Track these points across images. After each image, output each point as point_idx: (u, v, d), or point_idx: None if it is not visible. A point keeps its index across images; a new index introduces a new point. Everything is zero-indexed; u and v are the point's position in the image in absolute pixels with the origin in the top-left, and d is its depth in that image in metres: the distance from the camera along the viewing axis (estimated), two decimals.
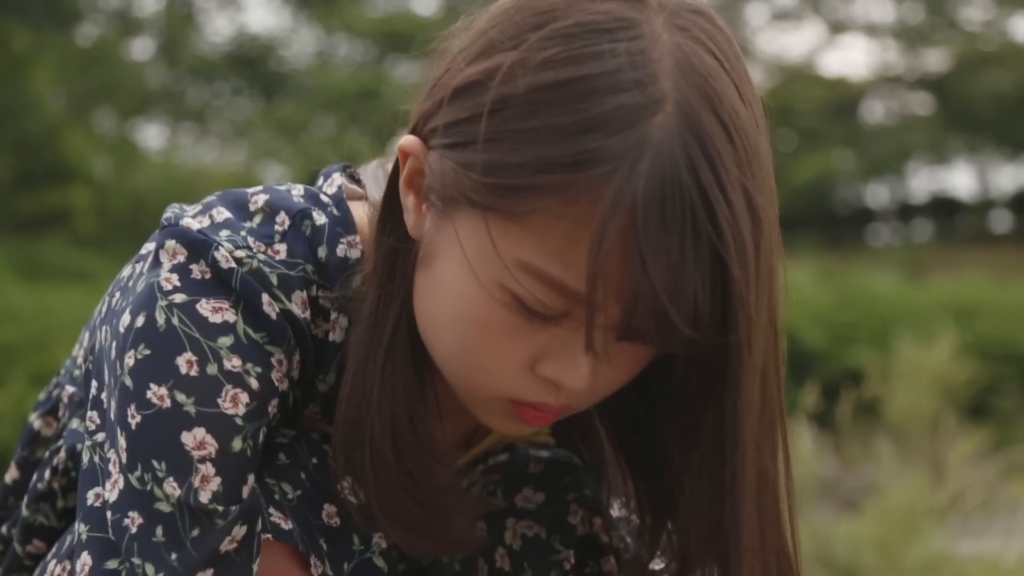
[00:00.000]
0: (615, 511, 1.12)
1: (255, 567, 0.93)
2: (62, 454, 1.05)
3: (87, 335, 1.06)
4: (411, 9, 18.63)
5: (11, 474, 1.13)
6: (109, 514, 0.93)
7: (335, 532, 0.96)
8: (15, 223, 11.42)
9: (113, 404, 0.93)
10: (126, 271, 0.98)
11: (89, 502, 0.95)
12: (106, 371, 0.96)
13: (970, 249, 16.60)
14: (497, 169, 0.85)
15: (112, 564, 0.93)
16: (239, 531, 0.92)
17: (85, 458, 0.97)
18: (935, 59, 20.58)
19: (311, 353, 0.96)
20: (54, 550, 1.03)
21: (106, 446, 0.95)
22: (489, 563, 1.09)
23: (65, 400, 1.08)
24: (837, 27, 21.17)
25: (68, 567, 0.98)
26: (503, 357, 0.90)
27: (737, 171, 0.84)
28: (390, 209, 0.96)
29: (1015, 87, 18.91)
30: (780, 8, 21.14)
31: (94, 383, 0.98)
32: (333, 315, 0.97)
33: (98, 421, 0.97)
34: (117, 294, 0.97)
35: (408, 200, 0.94)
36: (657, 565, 1.09)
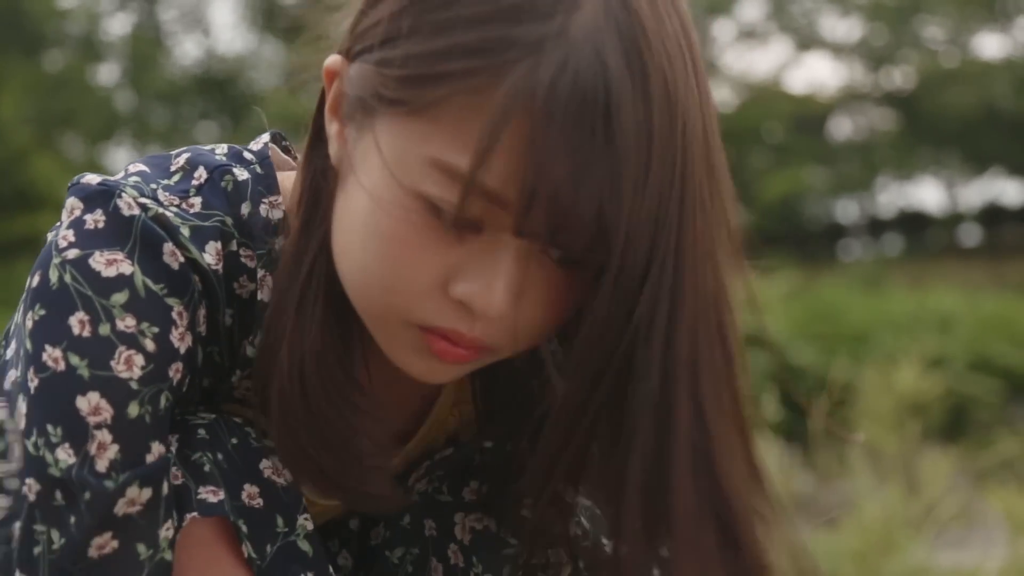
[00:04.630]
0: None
1: (162, 533, 0.89)
2: None
3: None
4: None
5: None
6: (13, 484, 0.89)
7: (256, 513, 0.93)
8: None
9: (18, 373, 0.90)
10: None
11: None
12: (13, 344, 0.92)
13: (941, 263, 16.71)
14: (409, 60, 0.83)
15: None
16: (140, 494, 0.87)
17: None
18: (900, 76, 20.76)
19: (223, 306, 0.93)
20: None
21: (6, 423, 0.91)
22: (443, 561, 1.06)
23: None
24: (803, 45, 21.32)
25: None
26: (414, 274, 0.86)
27: (653, 88, 0.81)
28: (316, 139, 0.94)
29: (978, 103, 19.08)
30: (746, 25, 21.27)
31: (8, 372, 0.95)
32: (260, 273, 0.93)
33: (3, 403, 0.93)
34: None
35: (332, 127, 0.91)
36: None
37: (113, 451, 0.87)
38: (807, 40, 21.29)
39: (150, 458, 0.88)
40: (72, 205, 0.91)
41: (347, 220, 0.89)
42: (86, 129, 15.97)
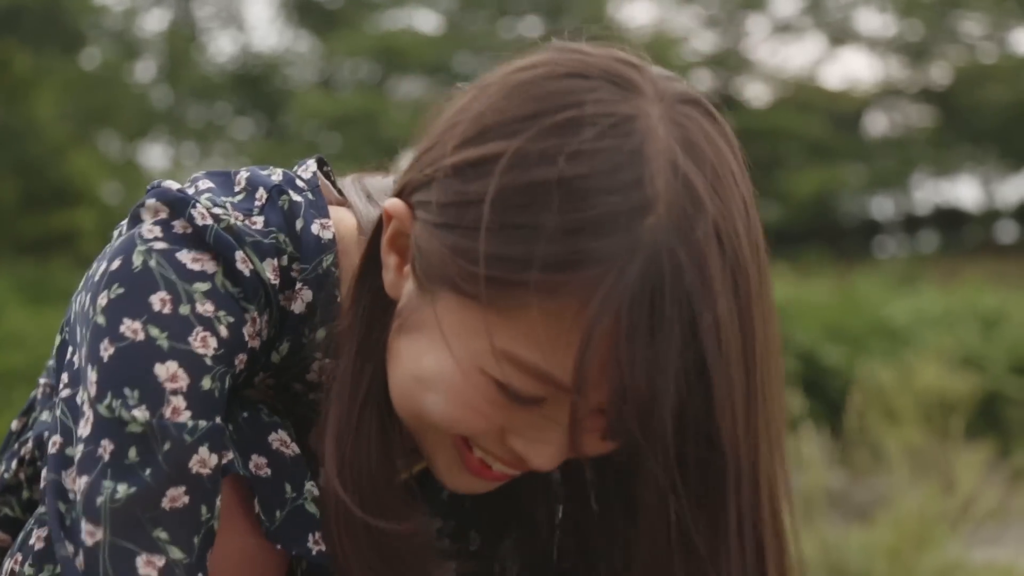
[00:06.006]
0: None
1: (218, 502, 0.92)
2: (29, 444, 1.04)
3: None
4: (412, 26, 18.65)
5: None
6: (81, 448, 0.92)
7: (265, 481, 0.96)
8: (21, 246, 11.44)
9: (85, 348, 0.94)
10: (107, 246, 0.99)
11: (50, 449, 0.96)
12: (79, 329, 0.96)
13: (976, 260, 16.59)
14: (488, 261, 0.85)
15: (63, 507, 0.94)
16: (209, 457, 0.92)
17: (53, 415, 0.98)
18: (937, 72, 20.61)
19: (273, 318, 0.97)
20: (14, 544, 1.01)
21: (77, 397, 0.95)
22: (480, 532, 1.10)
23: (39, 396, 1.08)
24: (838, 39, 21.21)
25: (19, 559, 0.98)
26: (472, 427, 0.91)
27: (725, 281, 0.84)
28: (370, 265, 0.96)
29: (1016, 99, 18.92)
30: (781, 20, 21.18)
31: (69, 350, 0.98)
32: (298, 286, 0.97)
33: (67, 380, 0.96)
34: (95, 264, 0.98)
35: (389, 259, 0.94)
36: None
37: (186, 416, 0.91)
38: (842, 35, 21.18)
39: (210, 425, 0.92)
40: (155, 207, 0.95)
41: (408, 365, 0.92)
42: (123, 126, 16.08)
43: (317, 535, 0.96)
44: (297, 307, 0.97)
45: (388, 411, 0.96)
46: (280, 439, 0.98)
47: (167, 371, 0.91)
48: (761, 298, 0.88)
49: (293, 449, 0.98)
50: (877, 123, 21.56)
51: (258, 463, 0.96)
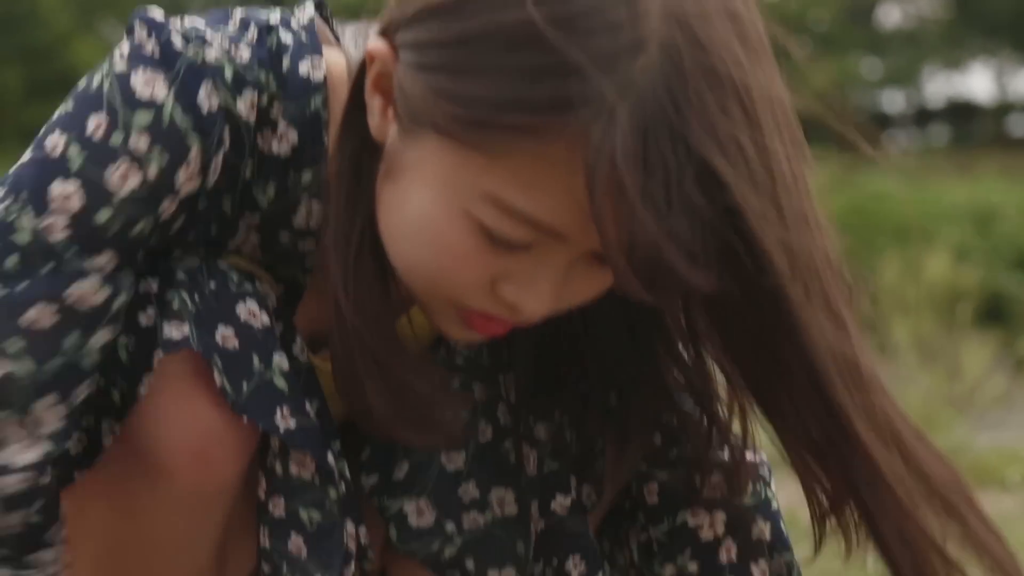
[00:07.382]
0: None
1: (96, 340, 0.90)
2: None
3: None
4: None
5: None
6: None
7: (231, 354, 0.94)
8: (25, 133, 11.40)
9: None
10: None
11: None
12: None
13: (988, 153, 16.50)
14: (470, 103, 0.83)
15: None
16: (98, 292, 0.90)
17: None
18: None
19: (247, 157, 0.94)
20: None
21: None
22: (492, 422, 1.07)
23: None
24: None
25: None
26: (461, 277, 0.89)
27: (732, 121, 0.80)
28: (355, 109, 0.93)
29: None
30: None
31: None
32: (281, 126, 0.94)
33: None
34: None
35: (374, 102, 0.91)
36: None
37: (62, 236, 0.89)
38: None
39: (100, 259, 0.90)
40: (138, 28, 0.93)
41: (395, 213, 0.91)
42: (126, 15, 15.94)
43: (286, 410, 0.94)
44: (281, 149, 0.95)
45: (382, 259, 0.94)
46: (249, 309, 0.95)
47: (63, 190, 0.89)
48: (784, 141, 0.84)
49: (263, 320, 0.95)
50: (890, 15, 21.31)
51: (225, 335, 0.94)
